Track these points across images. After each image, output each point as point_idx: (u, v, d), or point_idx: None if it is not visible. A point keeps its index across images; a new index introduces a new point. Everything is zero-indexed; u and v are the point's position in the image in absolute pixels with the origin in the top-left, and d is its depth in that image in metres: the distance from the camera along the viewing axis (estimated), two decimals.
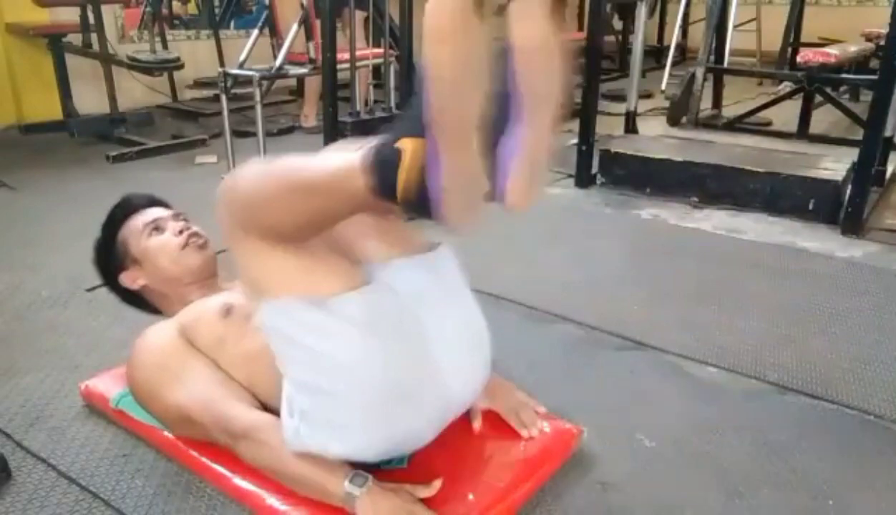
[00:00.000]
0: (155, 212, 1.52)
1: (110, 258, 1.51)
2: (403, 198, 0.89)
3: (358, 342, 1.07)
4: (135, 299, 1.53)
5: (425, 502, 1.14)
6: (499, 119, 0.86)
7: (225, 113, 3.27)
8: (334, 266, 1.12)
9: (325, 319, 1.06)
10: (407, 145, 0.88)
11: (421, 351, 1.13)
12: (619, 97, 4.45)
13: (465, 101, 0.81)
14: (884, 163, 2.96)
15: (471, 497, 1.18)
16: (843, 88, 4.76)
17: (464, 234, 0.94)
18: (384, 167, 0.89)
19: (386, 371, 1.08)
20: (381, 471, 1.19)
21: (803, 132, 3.97)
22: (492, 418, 1.37)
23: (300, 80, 4.52)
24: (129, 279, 1.50)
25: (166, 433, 1.34)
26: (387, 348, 1.09)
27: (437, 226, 0.92)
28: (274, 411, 1.23)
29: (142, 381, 1.33)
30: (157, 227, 1.49)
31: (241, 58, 3.31)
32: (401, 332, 1.11)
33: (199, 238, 1.50)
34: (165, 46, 4.46)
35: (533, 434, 1.32)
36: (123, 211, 1.53)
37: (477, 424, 1.34)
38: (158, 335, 1.36)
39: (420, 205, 0.89)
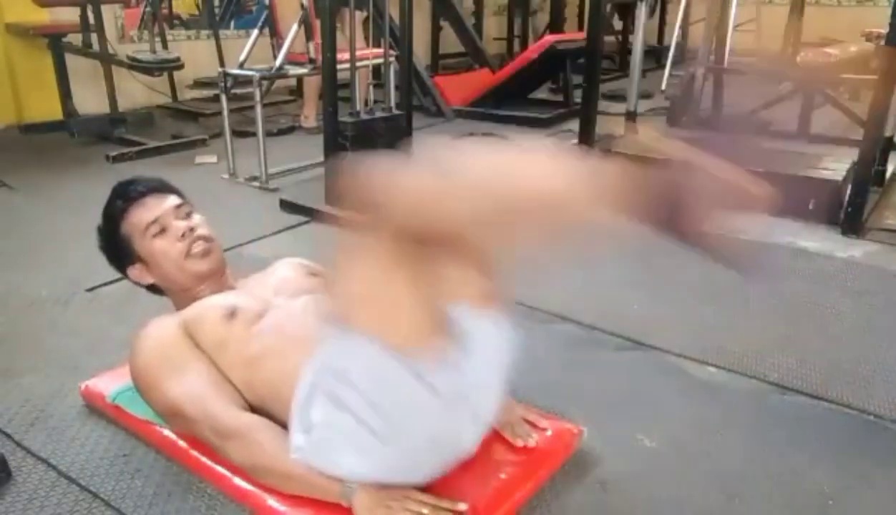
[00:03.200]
0: (157, 207, 1.44)
1: (115, 250, 1.48)
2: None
3: (429, 410, 1.07)
4: (143, 285, 1.52)
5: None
6: None
7: (225, 113, 3.28)
8: (439, 321, 1.06)
9: (405, 372, 1.03)
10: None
11: (469, 415, 1.15)
12: (619, 97, 4.45)
13: None
14: (884, 163, 2.96)
15: (471, 497, 1.18)
16: (842, 88, 4.75)
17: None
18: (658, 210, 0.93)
19: (434, 429, 1.10)
20: None
21: (803, 132, 3.97)
22: None
23: (300, 79, 4.52)
24: (136, 275, 1.48)
25: (164, 431, 1.34)
26: (448, 415, 1.10)
27: None
28: (266, 416, 1.24)
29: (141, 369, 1.33)
30: (161, 228, 1.43)
31: (241, 58, 3.32)
32: (464, 402, 1.12)
33: (204, 241, 1.44)
34: (165, 46, 4.46)
35: (529, 444, 1.32)
36: (124, 201, 1.46)
37: None
38: (162, 328, 1.35)
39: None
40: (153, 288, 1.50)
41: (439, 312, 1.05)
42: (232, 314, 1.32)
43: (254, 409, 1.26)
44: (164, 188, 1.51)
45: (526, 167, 0.93)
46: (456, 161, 0.93)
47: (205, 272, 1.44)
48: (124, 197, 1.47)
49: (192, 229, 1.44)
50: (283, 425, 1.21)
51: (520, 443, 1.32)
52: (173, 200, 1.48)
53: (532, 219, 0.94)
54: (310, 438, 1.13)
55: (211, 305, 1.36)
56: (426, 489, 1.16)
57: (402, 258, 0.98)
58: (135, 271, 1.47)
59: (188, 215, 1.47)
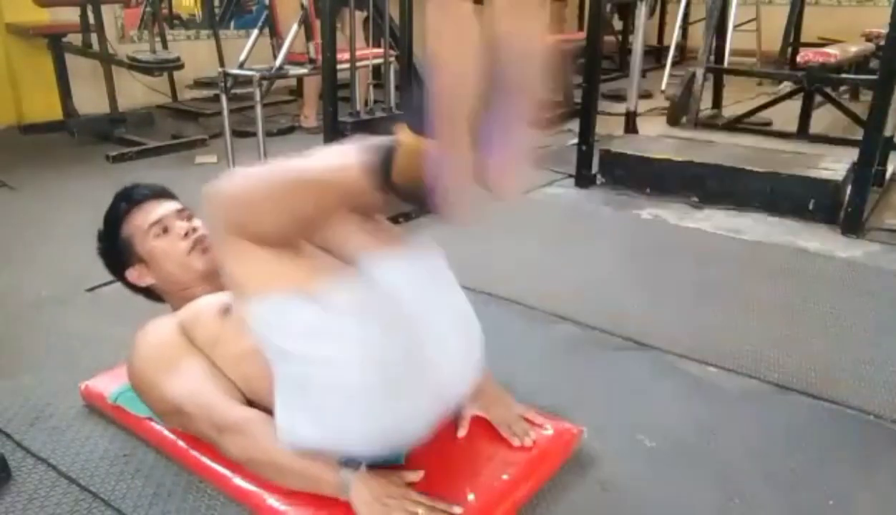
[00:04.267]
0: (159, 209, 1.50)
1: (115, 253, 1.50)
2: (401, 184, 0.92)
3: (349, 332, 1.06)
4: (141, 290, 1.54)
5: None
6: (486, 112, 0.90)
7: (225, 113, 3.27)
8: (322, 263, 1.12)
9: (314, 312, 1.05)
10: (405, 136, 0.92)
11: (412, 343, 1.12)
12: (619, 97, 4.46)
13: (463, 89, 0.85)
14: (884, 163, 2.96)
15: (471, 497, 1.18)
16: (843, 88, 4.76)
17: (457, 225, 0.96)
18: (382, 155, 0.93)
19: (378, 360, 1.07)
20: (378, 467, 1.19)
21: (803, 132, 3.97)
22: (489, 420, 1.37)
23: (300, 79, 4.52)
24: (135, 276, 1.50)
25: (164, 431, 1.34)
26: (378, 339, 1.08)
27: (430, 223, 0.94)
28: (264, 410, 1.24)
29: (139, 371, 1.34)
30: (163, 228, 1.47)
31: (241, 58, 3.31)
32: (391, 323, 1.10)
33: (205, 240, 1.47)
34: (165, 46, 4.46)
35: (526, 444, 1.31)
36: (127, 204, 1.50)
37: (463, 431, 1.34)
38: (159, 328, 1.37)
39: (415, 193, 0.92)
40: (149, 293, 1.53)
41: (318, 254, 1.12)
42: (226, 310, 1.33)
43: (251, 403, 1.27)
44: (166, 194, 1.55)
45: (310, 162, 1.03)
46: (263, 166, 1.06)
47: (206, 269, 1.45)
48: (127, 200, 1.51)
49: (194, 229, 1.48)
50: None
51: (516, 442, 1.32)
52: (175, 205, 1.53)
53: (314, 202, 1.03)
54: (291, 424, 1.13)
55: (206, 304, 1.37)
56: (425, 486, 1.17)
57: (261, 243, 1.05)
58: (134, 272, 1.50)
59: (189, 218, 1.51)
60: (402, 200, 0.98)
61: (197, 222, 1.51)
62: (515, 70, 0.87)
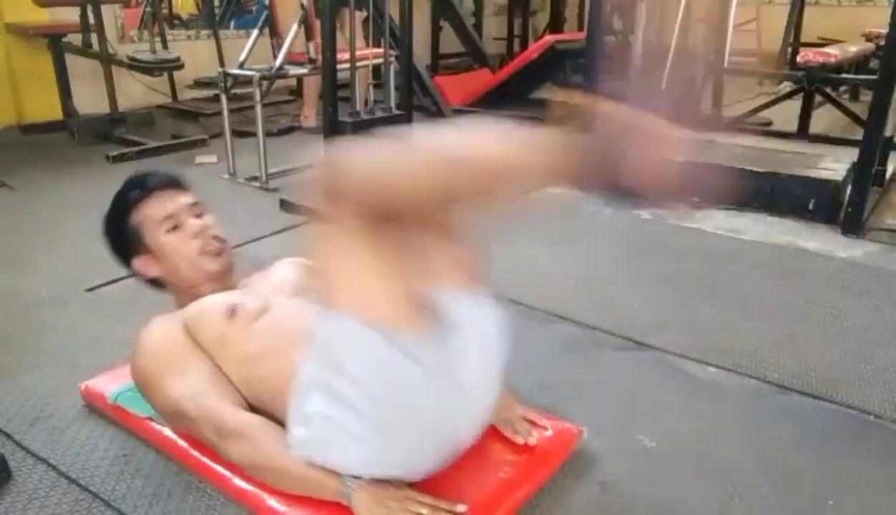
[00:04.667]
0: (172, 203, 1.44)
1: (123, 239, 1.46)
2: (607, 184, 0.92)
3: (417, 385, 1.06)
4: (144, 278, 1.50)
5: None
6: None
7: (225, 113, 3.28)
8: (414, 291, 1.06)
9: (391, 348, 1.02)
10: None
11: (461, 397, 1.13)
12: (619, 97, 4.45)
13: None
14: (884, 163, 2.96)
15: (471, 497, 1.18)
16: (843, 88, 4.76)
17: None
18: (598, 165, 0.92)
19: (426, 410, 1.08)
20: None
21: (803, 132, 3.97)
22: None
23: (300, 79, 4.52)
24: (142, 265, 1.46)
25: (165, 431, 1.34)
26: (437, 391, 1.08)
27: None
28: (265, 414, 1.24)
29: (143, 370, 1.33)
30: (175, 224, 1.43)
31: (241, 58, 3.32)
32: (454, 378, 1.10)
33: (217, 242, 1.45)
34: (165, 46, 4.46)
35: (530, 443, 1.31)
36: (140, 191, 1.45)
37: None
38: (163, 327, 1.36)
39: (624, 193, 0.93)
40: (154, 283, 1.49)
41: (416, 289, 1.05)
42: (232, 312, 1.32)
43: (253, 408, 1.26)
44: (179, 184, 1.50)
45: (473, 139, 0.96)
46: (406, 140, 0.98)
47: (216, 271, 1.44)
48: (141, 187, 1.46)
49: (206, 228, 1.45)
50: (283, 423, 1.21)
51: (520, 441, 1.32)
52: (188, 198, 1.48)
53: (482, 185, 0.97)
54: (307, 432, 1.13)
55: (211, 303, 1.36)
56: (425, 488, 1.16)
57: (369, 238, 0.99)
58: (140, 262, 1.46)
59: (201, 215, 1.48)
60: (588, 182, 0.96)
61: (209, 219, 1.47)
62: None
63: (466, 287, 1.13)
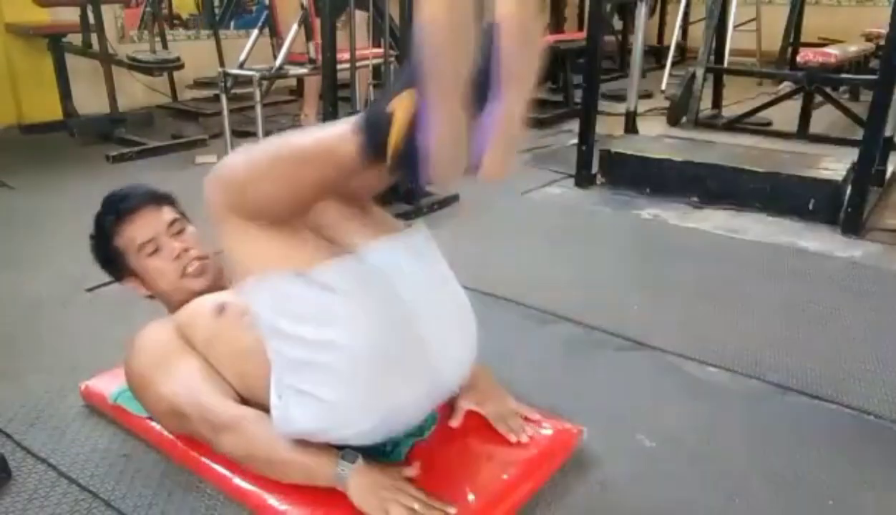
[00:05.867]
0: (150, 225, 1.46)
1: (109, 263, 1.50)
2: (394, 155, 0.92)
3: (346, 314, 1.06)
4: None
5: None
6: (479, 94, 0.90)
7: (225, 113, 3.28)
8: (317, 244, 1.12)
9: (312, 293, 1.06)
10: (398, 106, 0.92)
11: (405, 323, 1.12)
12: (619, 97, 4.45)
13: (455, 55, 0.86)
14: (884, 163, 2.96)
15: (471, 497, 1.18)
16: (843, 88, 4.76)
17: (440, 184, 0.98)
18: (375, 126, 0.94)
19: (371, 340, 1.07)
20: (375, 463, 1.19)
21: (803, 132, 3.97)
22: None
23: (300, 79, 4.52)
24: (131, 288, 1.51)
25: (164, 431, 1.34)
26: (370, 317, 1.08)
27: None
28: (260, 408, 1.24)
29: (136, 373, 1.35)
30: (154, 249, 1.45)
31: (241, 58, 3.32)
32: (383, 302, 1.11)
33: (199, 261, 1.46)
34: (165, 46, 4.47)
35: (522, 440, 1.31)
36: (116, 216, 1.46)
37: (456, 422, 1.35)
38: (156, 331, 1.38)
39: (409, 163, 0.92)
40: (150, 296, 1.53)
41: (312, 238, 1.11)
42: (221, 309, 1.34)
43: (246, 402, 1.27)
44: (156, 199, 1.50)
45: (305, 136, 1.03)
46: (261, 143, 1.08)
47: (201, 290, 1.45)
48: (117, 211, 1.47)
49: (186, 250, 1.46)
50: None
51: (513, 438, 1.32)
52: (167, 215, 1.48)
53: (302, 175, 1.03)
54: (276, 402, 1.14)
55: (201, 305, 1.38)
56: (424, 485, 1.17)
57: (257, 227, 1.06)
58: (129, 284, 1.51)
59: (181, 232, 1.49)
60: (395, 168, 0.96)
61: (190, 235, 1.49)
62: (512, 55, 0.88)
63: (374, 235, 1.17)
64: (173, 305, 1.47)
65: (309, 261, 1.07)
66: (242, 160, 1.08)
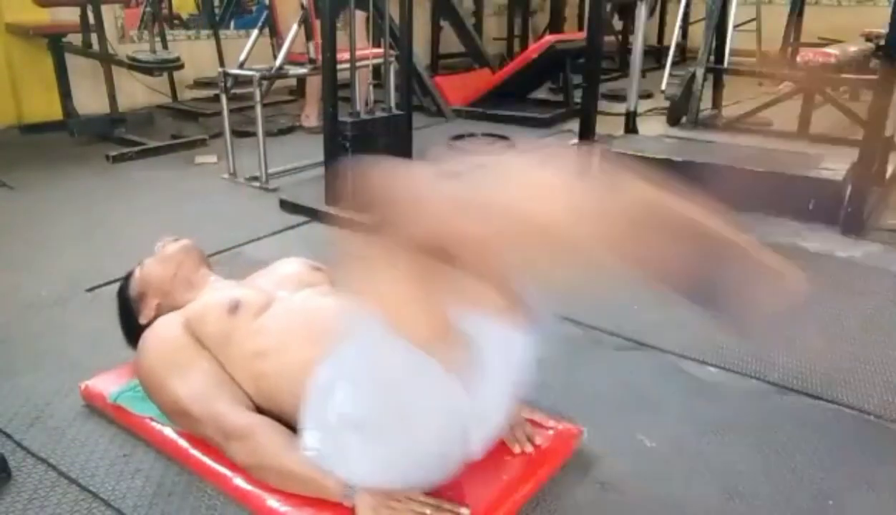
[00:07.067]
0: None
1: (131, 318, 1.52)
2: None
3: (444, 410, 1.07)
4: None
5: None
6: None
7: (225, 113, 3.28)
8: (450, 320, 1.04)
9: (425, 365, 1.02)
10: None
11: (476, 421, 1.14)
12: (619, 97, 4.45)
13: None
14: (884, 163, 2.96)
15: (472, 497, 1.18)
16: (843, 88, 4.76)
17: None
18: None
19: (446, 434, 1.09)
20: None
21: (803, 132, 3.97)
22: None
23: (300, 79, 4.52)
24: (146, 310, 1.49)
25: (165, 431, 1.34)
26: (450, 404, 1.08)
27: None
28: (273, 411, 1.24)
29: (148, 370, 1.34)
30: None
31: (241, 58, 3.32)
32: (467, 392, 1.09)
33: (171, 237, 1.57)
34: (165, 46, 4.47)
35: (526, 450, 1.31)
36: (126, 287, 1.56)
37: None
38: (166, 327, 1.38)
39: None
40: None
41: (454, 318, 1.03)
42: (235, 307, 1.33)
43: (259, 406, 1.27)
44: None
45: (539, 190, 0.93)
46: (471, 175, 0.94)
47: (177, 248, 1.52)
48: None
49: (163, 240, 1.58)
50: (289, 420, 1.21)
51: (517, 450, 1.31)
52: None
53: (537, 245, 0.96)
54: (325, 437, 1.13)
55: (214, 300, 1.37)
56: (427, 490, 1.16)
57: (417, 265, 0.96)
58: (142, 310, 1.50)
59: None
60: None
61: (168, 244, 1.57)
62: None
63: (502, 322, 1.11)
64: (178, 303, 1.45)
65: (438, 339, 1.01)
66: (449, 194, 0.95)
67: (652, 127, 4.16)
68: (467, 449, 1.17)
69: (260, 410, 1.26)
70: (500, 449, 1.30)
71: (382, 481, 1.13)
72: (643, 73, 4.42)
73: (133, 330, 1.49)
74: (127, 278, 1.56)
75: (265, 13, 3.68)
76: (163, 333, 1.37)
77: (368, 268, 0.98)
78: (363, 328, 1.05)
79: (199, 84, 4.90)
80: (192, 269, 1.51)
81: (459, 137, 3.91)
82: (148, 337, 1.37)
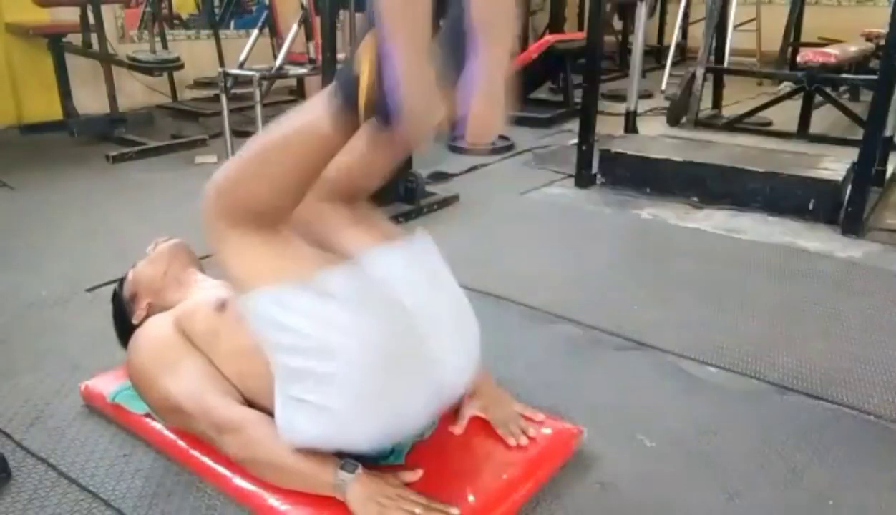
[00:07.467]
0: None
1: (125, 319, 1.55)
2: (366, 107, 0.92)
3: (346, 321, 1.07)
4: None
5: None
6: (458, 50, 0.90)
7: (225, 113, 3.28)
8: (314, 255, 1.13)
9: (308, 299, 1.06)
10: (363, 55, 0.92)
11: (407, 330, 1.12)
12: (619, 97, 4.46)
13: None
14: (884, 163, 2.96)
15: (471, 497, 1.18)
16: (843, 88, 4.76)
17: (417, 144, 0.99)
18: (346, 84, 0.94)
19: (372, 348, 1.07)
20: (377, 467, 1.19)
21: (803, 132, 3.97)
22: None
23: (300, 79, 4.52)
24: (138, 310, 1.52)
25: (165, 430, 1.34)
26: (372, 324, 1.08)
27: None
28: (262, 408, 1.24)
29: (138, 370, 1.35)
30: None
31: (241, 58, 3.32)
32: (384, 310, 1.11)
33: (164, 237, 1.61)
34: (165, 46, 4.47)
35: (522, 443, 1.31)
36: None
37: (459, 429, 1.34)
38: (156, 327, 1.39)
39: (383, 113, 0.91)
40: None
41: (309, 249, 1.13)
42: (222, 306, 1.34)
43: (248, 402, 1.27)
44: None
45: (280, 124, 1.04)
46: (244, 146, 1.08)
47: (169, 247, 1.56)
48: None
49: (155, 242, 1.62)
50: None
51: (512, 442, 1.31)
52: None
53: (298, 163, 1.04)
54: (281, 413, 1.14)
55: (202, 300, 1.40)
56: (424, 486, 1.17)
57: (253, 236, 1.08)
58: (135, 310, 1.53)
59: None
60: (372, 124, 0.96)
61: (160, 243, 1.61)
62: (485, 7, 0.87)
63: (374, 243, 1.17)
64: (170, 302, 1.47)
65: (308, 271, 1.07)
66: (231, 162, 1.09)
67: (652, 127, 4.17)
68: (435, 373, 1.14)
69: (250, 405, 1.26)
70: (498, 449, 1.30)
71: (356, 439, 1.12)
72: (643, 73, 4.44)
73: (126, 331, 1.50)
74: (121, 281, 1.59)
75: (265, 13, 3.69)
76: (153, 332, 1.38)
77: (227, 264, 1.11)
78: (252, 310, 1.11)
79: (199, 84, 4.90)
80: (180, 268, 1.54)
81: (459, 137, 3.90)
82: (138, 336, 1.38)
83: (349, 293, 1.07)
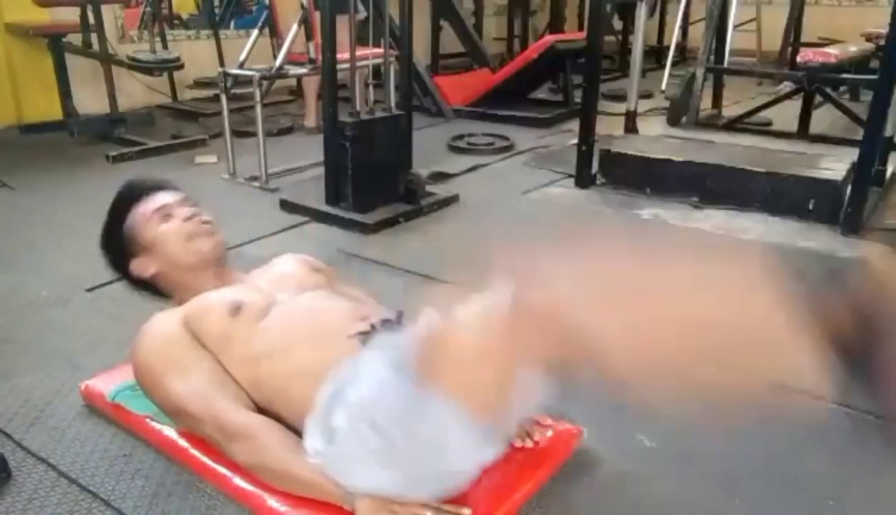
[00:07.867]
0: (162, 198, 1.46)
1: (119, 245, 1.46)
2: None
3: (465, 456, 1.08)
4: (145, 285, 1.48)
5: None
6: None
7: (225, 113, 3.28)
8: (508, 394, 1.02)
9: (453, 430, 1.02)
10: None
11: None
12: (619, 97, 4.46)
13: None
14: (884, 163, 2.96)
15: (471, 497, 1.18)
16: (843, 88, 4.76)
17: None
18: None
19: (460, 466, 1.11)
20: None
21: (803, 132, 3.97)
22: None
23: (300, 79, 4.52)
24: (139, 267, 1.45)
25: (165, 430, 1.34)
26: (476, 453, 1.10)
27: None
28: (269, 414, 1.23)
29: (145, 368, 1.31)
30: (166, 214, 1.43)
31: (241, 58, 3.32)
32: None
33: (209, 224, 1.45)
34: (165, 46, 4.46)
35: (527, 445, 1.31)
36: (130, 196, 1.47)
37: None
38: (163, 323, 1.34)
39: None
40: (153, 288, 1.48)
41: (511, 390, 1.01)
42: (237, 309, 1.31)
43: (260, 408, 1.26)
44: (171, 187, 1.52)
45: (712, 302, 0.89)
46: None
47: (210, 249, 1.43)
48: (130, 193, 1.48)
49: (196, 213, 1.45)
50: (289, 423, 1.21)
51: (517, 443, 1.31)
52: (179, 195, 1.49)
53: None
54: (331, 446, 1.11)
55: (214, 300, 1.34)
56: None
57: (515, 337, 0.94)
58: (137, 263, 1.44)
59: (194, 205, 1.48)
60: None
61: (201, 208, 1.48)
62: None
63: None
64: (182, 286, 1.42)
65: (489, 413, 1.02)
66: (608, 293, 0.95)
67: (652, 127, 4.17)
68: (477, 466, 1.15)
69: (261, 412, 1.26)
70: None
71: (386, 491, 1.11)
72: (643, 72, 4.43)
73: (115, 257, 1.46)
74: (137, 199, 1.46)
75: (265, 13, 3.68)
76: (160, 330, 1.33)
77: (458, 323, 0.97)
78: (412, 379, 1.02)
79: (199, 84, 4.90)
80: (212, 277, 1.43)
81: (459, 137, 3.91)
82: (144, 333, 1.33)
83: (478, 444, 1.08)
